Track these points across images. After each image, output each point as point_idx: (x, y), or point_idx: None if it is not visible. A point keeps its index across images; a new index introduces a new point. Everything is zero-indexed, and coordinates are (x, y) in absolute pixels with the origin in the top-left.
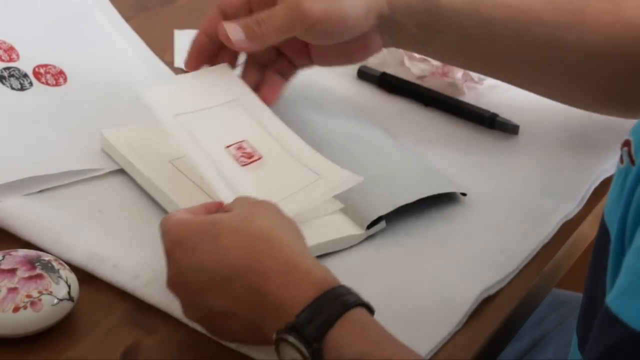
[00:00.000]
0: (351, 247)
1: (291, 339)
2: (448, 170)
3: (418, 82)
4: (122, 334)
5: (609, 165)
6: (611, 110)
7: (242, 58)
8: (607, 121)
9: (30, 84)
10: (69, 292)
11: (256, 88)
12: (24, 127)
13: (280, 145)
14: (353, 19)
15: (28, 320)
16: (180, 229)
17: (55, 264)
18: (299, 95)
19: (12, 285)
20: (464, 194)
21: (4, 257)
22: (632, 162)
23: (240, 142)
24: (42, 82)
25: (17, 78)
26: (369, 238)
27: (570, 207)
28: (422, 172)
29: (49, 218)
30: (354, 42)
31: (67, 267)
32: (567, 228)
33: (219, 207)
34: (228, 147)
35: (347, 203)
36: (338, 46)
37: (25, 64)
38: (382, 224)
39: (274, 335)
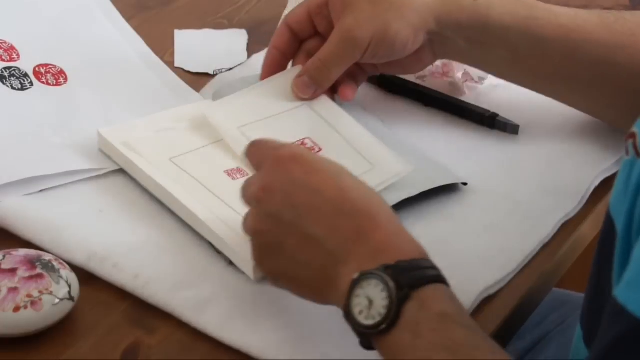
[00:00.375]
0: None
1: (385, 276)
2: None
3: (418, 82)
4: (122, 334)
5: (609, 164)
6: None
7: None
8: None
9: (31, 83)
10: (69, 292)
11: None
12: (24, 127)
13: (342, 137)
14: (400, 43)
15: (28, 320)
16: (306, 150)
17: (55, 263)
18: None
19: (13, 285)
20: (464, 184)
21: (4, 256)
22: (638, 154)
23: (303, 139)
24: (43, 82)
25: (17, 78)
26: None
27: (570, 207)
28: (423, 165)
29: (49, 218)
30: (406, 58)
31: (67, 266)
32: (568, 227)
33: None
34: None
35: None
36: (392, 61)
37: (26, 64)
38: None
39: (356, 275)
